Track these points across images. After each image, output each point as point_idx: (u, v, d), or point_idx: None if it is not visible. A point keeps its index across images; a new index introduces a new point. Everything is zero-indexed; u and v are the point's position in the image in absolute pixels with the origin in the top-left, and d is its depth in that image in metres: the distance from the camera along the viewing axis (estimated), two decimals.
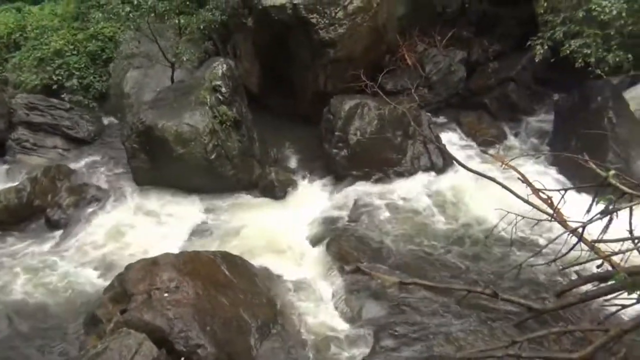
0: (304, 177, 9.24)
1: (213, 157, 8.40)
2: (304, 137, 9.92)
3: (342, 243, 7.31)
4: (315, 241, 7.67)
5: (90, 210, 8.53)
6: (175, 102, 8.82)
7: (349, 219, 8.07)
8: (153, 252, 6.44)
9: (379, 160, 8.92)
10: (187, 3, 10.03)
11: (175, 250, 6.82)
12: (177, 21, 9.91)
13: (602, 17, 7.85)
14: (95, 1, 12.16)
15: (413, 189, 8.55)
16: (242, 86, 9.44)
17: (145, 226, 8.16)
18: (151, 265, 5.99)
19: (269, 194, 8.81)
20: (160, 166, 8.60)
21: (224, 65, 9.01)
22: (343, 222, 8.03)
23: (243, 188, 8.86)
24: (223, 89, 8.76)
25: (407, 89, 9.95)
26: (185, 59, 9.83)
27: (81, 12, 12.47)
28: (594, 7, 7.88)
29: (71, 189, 8.82)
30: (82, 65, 11.46)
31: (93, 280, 7.07)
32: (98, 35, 11.78)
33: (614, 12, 7.76)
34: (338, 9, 8.98)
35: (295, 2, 8.91)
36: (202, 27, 9.85)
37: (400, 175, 8.85)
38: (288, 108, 10.13)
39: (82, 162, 9.79)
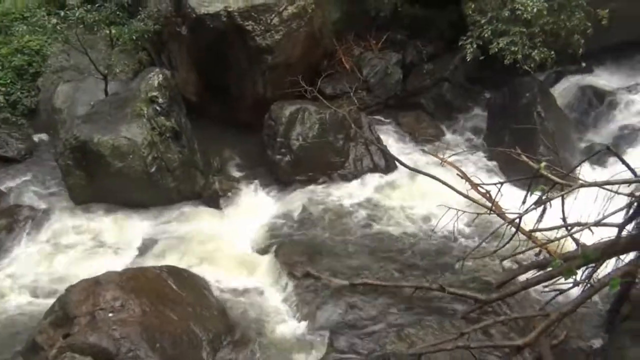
0: (248, 185, 9.15)
1: (153, 169, 8.21)
2: (247, 144, 9.84)
3: (291, 249, 7.31)
4: (263, 249, 7.62)
5: (24, 232, 8.10)
6: (111, 115, 8.54)
7: (296, 224, 8.07)
8: (95, 272, 6.20)
9: (322, 164, 8.97)
10: (118, 13, 9.73)
11: (119, 268, 6.59)
12: (108, 32, 9.61)
13: (525, 15, 8.24)
14: (18, 14, 11.60)
15: (358, 191, 8.66)
16: (179, 96, 9.26)
17: (85, 245, 7.84)
18: (93, 285, 5.77)
19: (213, 204, 8.67)
20: (98, 182, 8.30)
21: (160, 76, 8.82)
22: (290, 227, 8.02)
23: (186, 199, 8.68)
24: (160, 100, 8.58)
25: (346, 93, 10.07)
26: (118, 71, 9.55)
27: (3, 25, 11.86)
28: (517, 6, 8.27)
29: (1, 212, 8.35)
30: (8, 81, 10.89)
31: (30, 306, 6.72)
32: (24, 48, 11.22)
33: (536, 11, 8.16)
34: (273, 15, 8.98)
35: (229, 9, 8.84)
36: (134, 37, 9.59)
37: (345, 177, 8.94)
38: (228, 116, 10.02)
39: (13, 183, 9.28)
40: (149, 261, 7.27)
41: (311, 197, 8.55)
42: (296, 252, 7.23)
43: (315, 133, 9.01)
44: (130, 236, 8.01)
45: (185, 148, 8.71)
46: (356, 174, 8.98)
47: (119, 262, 7.30)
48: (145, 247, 7.80)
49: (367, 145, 9.21)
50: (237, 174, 9.47)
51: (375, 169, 9.09)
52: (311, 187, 8.79)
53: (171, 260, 7.24)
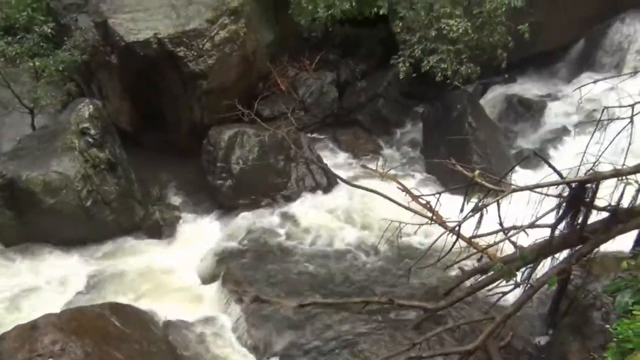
0: (190, 213, 8.98)
1: (89, 203, 7.93)
2: (186, 171, 9.67)
3: (238, 274, 7.20)
4: (209, 277, 7.47)
5: None
6: (40, 150, 8.20)
7: (241, 249, 7.97)
8: (31, 316, 5.85)
9: (265, 187, 8.94)
10: (42, 44, 9.40)
11: (57, 310, 6.25)
12: (32, 64, 9.24)
13: (451, 34, 8.61)
14: None
15: (301, 211, 8.66)
16: (112, 126, 8.99)
17: (18, 289, 7.39)
18: (30, 330, 5.43)
19: (155, 234, 8.44)
20: (30, 221, 7.90)
21: (91, 106, 8.55)
22: (236, 253, 7.90)
23: (126, 232, 8.41)
24: (92, 131, 8.31)
25: (283, 114, 10.10)
26: (45, 104, 9.18)
27: None
28: (443, 26, 8.63)
29: None
30: None
31: None
32: None
33: (461, 30, 8.55)
34: (205, 40, 8.94)
35: (159, 36, 8.73)
36: (61, 68, 9.27)
37: (288, 198, 8.93)
38: (166, 143, 9.83)
39: None
40: (91, 299, 6.96)
41: (255, 220, 8.47)
42: (243, 277, 7.13)
43: (256, 156, 8.99)
44: (69, 275, 7.64)
45: (121, 179, 8.45)
46: (299, 194, 9.00)
47: (57, 304, 6.92)
48: (85, 285, 7.46)
49: (308, 164, 9.26)
50: (178, 202, 9.28)
51: (317, 187, 9.14)
52: (255, 210, 8.71)
53: (114, 296, 6.96)
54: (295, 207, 8.78)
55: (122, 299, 6.80)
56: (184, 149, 9.66)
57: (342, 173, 9.02)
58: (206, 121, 9.52)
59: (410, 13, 9.14)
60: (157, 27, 8.80)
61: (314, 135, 10.72)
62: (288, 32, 11.05)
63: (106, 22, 9.06)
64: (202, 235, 8.46)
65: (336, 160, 10.08)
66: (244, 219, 8.51)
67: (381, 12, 9.53)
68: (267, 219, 8.55)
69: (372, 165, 9.09)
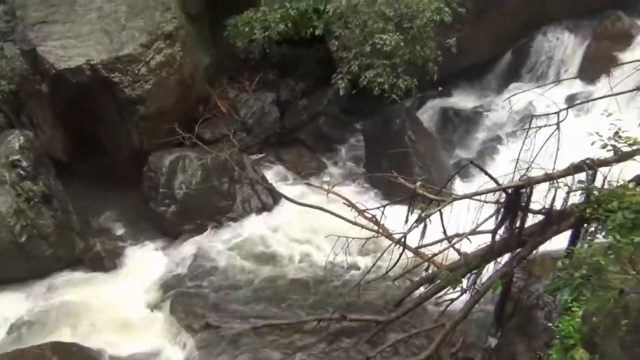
0: (134, 242, 8.71)
1: (24, 239, 7.55)
2: (127, 199, 9.39)
3: (187, 302, 7.03)
4: (157, 306, 7.26)
5: None
6: None
7: (189, 275, 7.80)
8: None
9: (210, 210, 8.81)
10: None
11: None
12: None
13: (385, 48, 8.86)
14: None
15: (248, 233, 8.57)
16: (46, 156, 8.64)
17: None
18: None
19: (97, 267, 8.12)
20: None
21: (21, 137, 8.18)
22: (184, 280, 7.72)
23: (66, 266, 8.05)
24: (24, 163, 7.94)
25: (225, 136, 10.03)
26: None
27: None
28: (377, 40, 8.87)
29: None
30: None
31: None
32: None
33: (393, 44, 8.81)
34: (140, 65, 8.78)
35: (92, 62, 8.49)
36: None
37: (234, 220, 8.83)
38: (104, 172, 9.51)
39: None
40: (31, 340, 6.60)
41: (202, 245, 8.32)
42: (192, 304, 6.96)
43: (199, 179, 8.85)
44: (6, 314, 7.21)
45: (58, 211, 8.11)
46: (245, 216, 8.91)
47: None
48: (24, 326, 7.05)
49: (253, 185, 9.21)
50: (120, 231, 8.97)
51: (264, 207, 9.09)
52: (201, 235, 8.56)
53: (56, 335, 6.64)
54: (243, 229, 8.68)
55: (65, 337, 6.49)
56: (124, 176, 9.38)
57: (288, 192, 9.02)
58: (146, 147, 9.31)
59: (346, 32, 9.34)
60: (89, 53, 8.57)
61: (258, 155, 10.68)
62: (226, 54, 11.03)
63: (35, 50, 8.74)
64: (147, 264, 8.21)
65: (281, 179, 10.07)
66: (190, 245, 8.35)
67: (317, 32, 9.69)
68: (213, 243, 8.40)
69: (317, 183, 9.16)
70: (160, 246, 8.57)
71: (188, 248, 8.27)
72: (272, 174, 10.06)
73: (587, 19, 10.79)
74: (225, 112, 10.73)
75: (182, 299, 7.13)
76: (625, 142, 4.59)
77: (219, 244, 8.38)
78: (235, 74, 11.27)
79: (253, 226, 8.74)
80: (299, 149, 10.88)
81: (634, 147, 4.60)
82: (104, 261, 8.15)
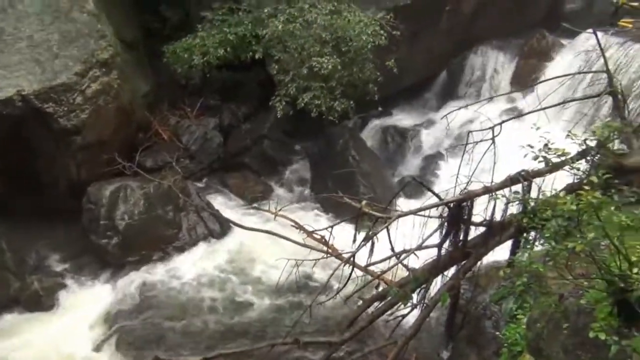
0: (74, 278, 8.33)
1: None
2: (67, 233, 8.99)
3: (134, 336, 6.80)
4: (102, 344, 6.94)
5: None
6: None
7: (135, 309, 7.54)
8: None
9: (155, 240, 8.60)
10: None
11: None
12: None
13: (322, 71, 9.00)
14: None
15: (196, 261, 8.42)
16: None
17: None
18: None
19: (35, 306, 7.72)
20: None
21: None
22: (130, 313, 7.46)
23: (1, 308, 7.60)
24: None
25: (168, 163, 9.83)
26: None
27: None
28: (314, 63, 9.00)
29: None
30: None
31: None
32: None
33: (330, 67, 8.97)
34: (76, 94, 8.51)
35: (23, 93, 8.15)
36: None
37: (181, 249, 8.64)
38: (40, 206, 9.08)
39: None
40: None
41: (147, 276, 8.08)
42: (140, 339, 6.74)
43: (142, 209, 8.63)
44: None
45: None
46: (192, 244, 8.75)
47: None
48: None
49: (199, 212, 9.06)
50: (60, 267, 8.56)
51: (210, 234, 8.94)
52: (146, 266, 8.31)
53: None
54: (189, 258, 8.51)
55: None
56: (63, 209, 8.99)
57: (234, 217, 8.91)
58: (84, 177, 8.99)
59: (285, 55, 9.44)
60: (20, 83, 8.23)
61: (203, 182, 10.54)
62: (165, 80, 10.90)
63: None
64: (90, 299, 7.88)
65: (227, 204, 9.95)
66: (135, 277, 8.09)
67: (257, 56, 9.75)
68: (159, 274, 8.18)
69: (264, 206, 9.09)
70: (104, 280, 8.27)
71: (133, 280, 8.01)
72: (218, 200, 9.94)
73: (515, 38, 11.44)
74: (167, 139, 10.55)
75: (129, 333, 6.87)
76: (555, 153, 4.84)
77: (165, 275, 8.17)
78: (176, 100, 11.14)
79: (200, 254, 8.59)
80: (244, 173, 10.82)
81: (563, 158, 4.85)
82: (43, 300, 7.77)
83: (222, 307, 7.40)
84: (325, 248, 6.32)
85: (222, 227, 9.04)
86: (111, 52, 8.97)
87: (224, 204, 9.89)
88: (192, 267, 8.34)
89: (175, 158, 9.85)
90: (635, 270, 3.27)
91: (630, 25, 10.41)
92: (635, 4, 10.51)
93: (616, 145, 5.49)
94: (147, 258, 8.42)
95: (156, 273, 8.21)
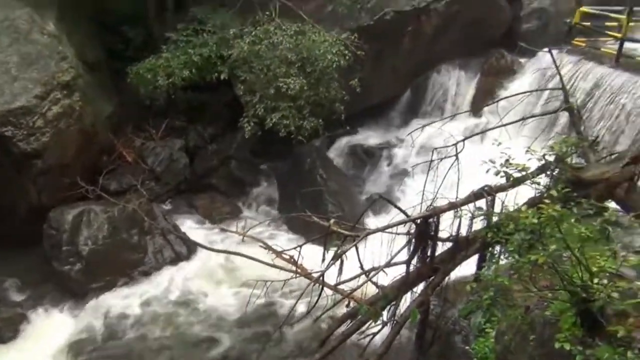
0: (35, 307, 8.02)
1: None
2: (26, 261, 8.70)
3: None
4: None
5: None
6: None
7: (100, 337, 7.33)
8: None
9: (120, 265, 8.40)
10: None
11: None
12: None
13: (289, 92, 9.05)
14: None
15: (163, 285, 8.24)
16: None
17: None
18: None
19: None
20: None
21: None
22: (94, 342, 7.25)
23: None
24: None
25: (133, 186, 9.69)
26: None
27: None
28: (281, 84, 9.05)
29: None
30: None
31: None
32: None
33: (297, 87, 9.04)
34: (36, 117, 8.31)
35: None
36: None
37: (147, 274, 8.47)
38: (1, 233, 8.79)
39: None
40: None
41: (112, 303, 7.85)
42: None
43: (106, 233, 8.44)
44: None
45: None
46: (159, 267, 8.58)
47: None
48: None
49: (165, 235, 8.91)
50: (20, 296, 8.24)
51: (178, 257, 8.79)
52: (111, 292, 8.09)
53: None
54: (156, 283, 8.33)
55: None
56: (22, 236, 8.70)
57: (202, 239, 8.80)
58: (46, 202, 8.75)
59: (251, 76, 9.47)
60: None
61: (169, 204, 10.40)
62: (129, 101, 10.77)
63: None
64: (52, 329, 7.60)
65: (195, 226, 9.83)
66: (100, 304, 7.86)
67: (222, 76, 9.75)
68: (125, 300, 7.97)
69: (232, 227, 9.00)
70: (67, 308, 7.99)
71: (97, 308, 7.78)
72: (185, 222, 9.82)
73: (475, 57, 11.75)
74: (131, 161, 10.40)
75: None
76: (516, 169, 4.96)
77: (130, 300, 7.96)
78: (140, 121, 11.02)
79: (167, 278, 8.42)
80: (211, 194, 10.73)
81: (524, 173, 4.98)
82: (1, 332, 7.45)
83: (190, 332, 7.25)
84: (294, 268, 6.28)
85: (189, 250, 8.90)
86: (73, 73, 8.83)
87: (191, 226, 9.76)
88: (158, 291, 8.15)
89: (140, 180, 9.73)
90: (596, 280, 3.36)
91: (584, 44, 10.87)
92: (587, 23, 10.97)
93: (574, 159, 5.66)
94: (111, 284, 8.20)
95: (121, 299, 7.99)
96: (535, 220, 3.66)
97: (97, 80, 10.10)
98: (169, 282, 8.32)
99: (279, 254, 6.79)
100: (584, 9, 11.05)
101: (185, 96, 11.05)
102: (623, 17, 10.00)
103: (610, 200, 5.42)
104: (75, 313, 7.86)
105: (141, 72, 9.80)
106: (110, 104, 10.43)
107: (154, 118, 11.07)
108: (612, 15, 10.75)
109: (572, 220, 3.71)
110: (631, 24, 9.94)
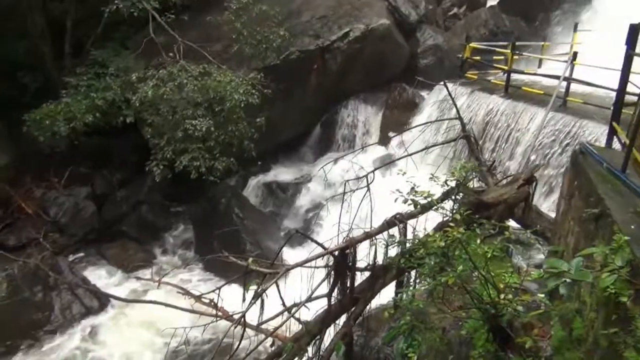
0: None
1: None
2: None
3: None
4: None
5: None
6: None
7: None
8: None
9: (22, 327, 7.75)
10: None
11: None
12: None
13: (197, 133, 8.93)
14: None
15: (72, 344, 7.67)
16: None
17: None
18: None
19: None
20: None
21: None
22: None
23: None
24: None
25: (34, 239, 9.09)
26: None
27: None
28: (188, 126, 8.92)
29: None
30: None
31: None
32: None
33: (205, 128, 8.95)
34: None
35: None
36: None
37: (53, 333, 7.86)
38: None
39: None
40: None
41: None
42: None
43: (5, 293, 7.81)
44: None
45: None
46: (67, 325, 8.00)
47: None
48: None
49: (73, 289, 8.34)
50: None
51: (88, 312, 8.25)
52: (12, 358, 7.39)
53: None
54: (65, 343, 7.75)
55: None
56: None
57: (115, 290, 8.37)
58: None
59: (157, 119, 9.27)
60: None
61: (76, 255, 9.80)
62: (28, 151, 10.17)
63: None
64: None
65: (106, 277, 9.31)
66: None
67: (128, 120, 9.49)
68: None
69: (146, 275, 8.66)
70: None
71: None
72: (95, 273, 9.30)
73: (380, 91, 12.29)
74: (32, 213, 9.76)
75: None
76: (422, 196, 5.19)
77: None
78: (41, 171, 10.42)
79: (77, 335, 7.86)
80: (122, 242, 10.27)
81: (429, 199, 5.21)
82: None
83: None
84: (214, 311, 6.11)
85: (101, 303, 8.39)
86: None
87: (102, 277, 9.26)
88: (67, 352, 7.57)
89: (43, 233, 9.15)
90: (502, 296, 3.57)
91: (475, 77, 11.74)
92: (477, 57, 11.89)
93: (475, 183, 6.02)
94: (13, 349, 7.52)
95: None
96: (443, 244, 3.85)
97: None
98: (78, 339, 7.76)
99: (197, 298, 6.60)
100: (473, 44, 12.01)
101: (90, 141, 10.62)
102: (508, 51, 10.97)
103: (509, 219, 5.82)
104: None
105: (38, 119, 9.30)
106: (6, 154, 9.83)
107: (57, 166, 10.51)
108: (498, 50, 11.76)
109: (477, 241, 3.94)
110: (515, 57, 10.92)
